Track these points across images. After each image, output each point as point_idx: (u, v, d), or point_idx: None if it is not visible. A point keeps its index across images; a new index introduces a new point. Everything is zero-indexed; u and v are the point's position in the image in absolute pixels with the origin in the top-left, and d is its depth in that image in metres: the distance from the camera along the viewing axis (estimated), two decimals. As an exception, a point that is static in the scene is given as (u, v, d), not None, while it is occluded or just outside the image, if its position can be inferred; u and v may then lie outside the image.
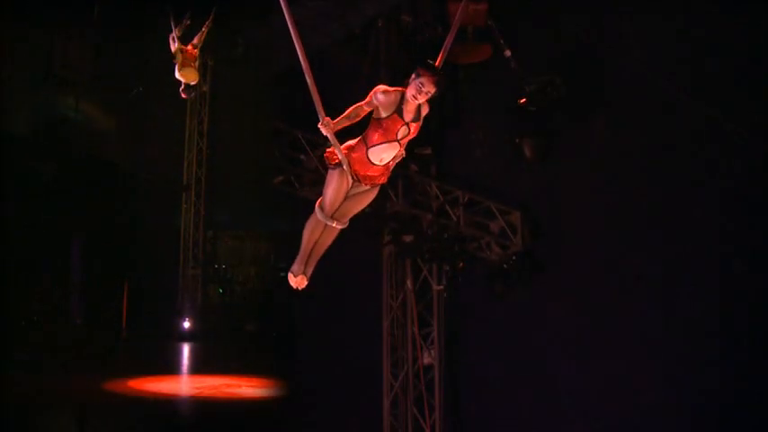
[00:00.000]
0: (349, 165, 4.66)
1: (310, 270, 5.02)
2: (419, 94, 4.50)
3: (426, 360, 10.88)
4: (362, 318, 11.34)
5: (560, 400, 9.69)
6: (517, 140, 9.45)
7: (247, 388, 13.29)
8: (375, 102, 4.56)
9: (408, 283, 10.98)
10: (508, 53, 8.92)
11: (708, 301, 8.59)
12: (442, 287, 10.92)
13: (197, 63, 8.68)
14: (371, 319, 11.13)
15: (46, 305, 13.96)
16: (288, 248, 14.61)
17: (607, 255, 9.47)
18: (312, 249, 4.97)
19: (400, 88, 4.59)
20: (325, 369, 11.52)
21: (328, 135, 4.55)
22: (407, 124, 4.62)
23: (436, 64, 4.58)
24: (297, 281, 5.02)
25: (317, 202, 4.81)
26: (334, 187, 4.75)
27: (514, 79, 9.10)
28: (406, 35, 9.96)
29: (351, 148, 4.69)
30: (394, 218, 10.60)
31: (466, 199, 10.53)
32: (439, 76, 4.49)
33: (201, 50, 8.98)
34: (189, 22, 8.76)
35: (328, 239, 4.97)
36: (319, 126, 4.52)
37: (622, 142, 9.27)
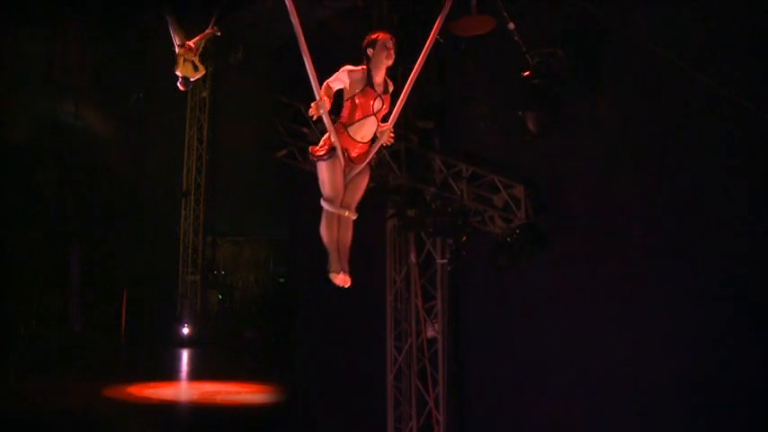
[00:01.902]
0: (339, 144, 4.79)
1: (345, 266, 5.00)
2: (389, 53, 4.80)
3: (430, 333, 10.87)
4: (366, 291, 11.32)
5: (564, 373, 9.69)
6: (520, 113, 9.36)
7: (246, 394, 13.30)
8: (346, 78, 4.73)
9: (412, 256, 10.94)
10: (512, 26, 8.82)
11: (713, 274, 8.55)
12: (445, 260, 10.89)
13: (196, 58, 8.64)
14: (375, 293, 11.12)
15: (45, 312, 13.97)
16: (286, 255, 14.74)
17: (610, 228, 9.42)
18: (338, 247, 4.98)
19: (363, 66, 4.80)
20: (328, 343, 11.52)
21: (324, 114, 4.65)
22: (380, 96, 4.82)
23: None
24: (340, 279, 4.97)
25: (322, 200, 4.89)
26: (329, 175, 4.86)
27: (518, 52, 9.01)
28: (409, 7, 9.90)
29: (333, 134, 4.82)
30: (397, 191, 10.55)
31: (469, 172, 10.48)
32: (391, 33, 4.83)
33: (202, 56, 8.98)
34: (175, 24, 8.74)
35: (347, 233, 5.03)
36: (315, 105, 4.62)
37: (626, 115, 9.22)
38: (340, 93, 4.82)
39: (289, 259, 14.56)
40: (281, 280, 15.94)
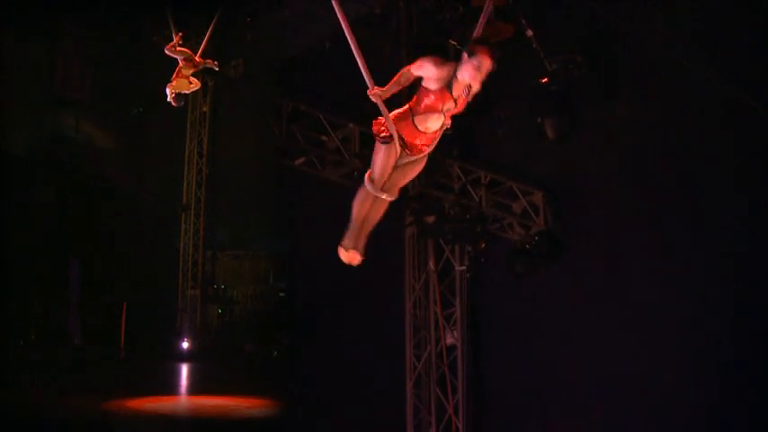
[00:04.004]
0: (398, 134, 4.55)
1: (362, 245, 4.77)
2: (477, 74, 4.41)
3: (449, 340, 10.88)
4: (384, 299, 11.31)
5: (583, 379, 9.67)
6: (539, 120, 9.35)
7: (246, 408, 13.20)
8: (423, 73, 4.43)
9: (431, 263, 10.96)
10: (530, 32, 8.86)
11: (731, 280, 8.54)
12: (464, 268, 10.90)
13: (192, 72, 8.66)
14: (393, 301, 11.12)
15: (44, 325, 13.92)
16: (287, 269, 14.71)
17: (629, 235, 9.42)
18: (362, 224, 4.74)
19: (453, 63, 4.46)
20: (347, 350, 11.50)
21: (378, 104, 4.47)
22: (455, 99, 4.53)
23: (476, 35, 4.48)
24: (348, 255, 4.75)
25: (367, 175, 4.66)
26: (383, 158, 4.63)
27: (536, 59, 9.03)
28: (427, 14, 9.94)
29: (397, 117, 4.57)
30: (416, 199, 10.59)
31: (488, 179, 10.51)
32: (496, 50, 4.40)
33: (201, 72, 9.02)
34: (181, 33, 8.78)
35: (378, 213, 4.79)
36: (369, 94, 4.44)
37: (645, 122, 9.22)
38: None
39: (289, 273, 14.54)
40: (282, 294, 15.92)
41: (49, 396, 11.93)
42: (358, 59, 4.39)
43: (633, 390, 9.22)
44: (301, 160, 10.84)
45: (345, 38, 4.30)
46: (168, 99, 8.53)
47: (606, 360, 9.45)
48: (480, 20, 4.59)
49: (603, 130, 9.54)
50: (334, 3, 4.35)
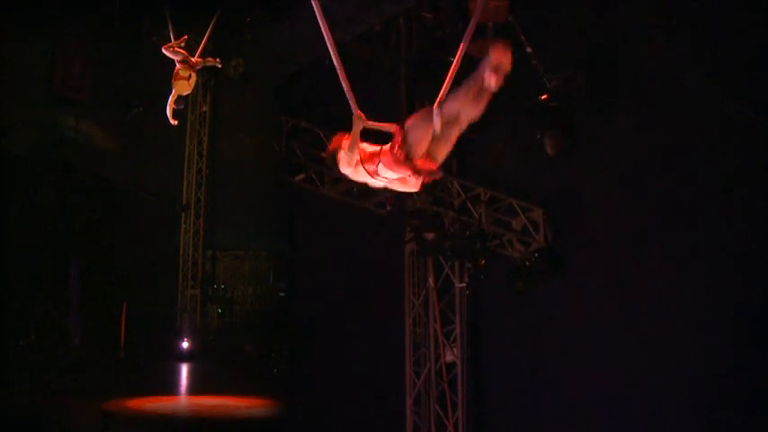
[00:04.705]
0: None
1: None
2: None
3: (449, 358, 10.84)
4: (384, 316, 11.30)
5: (583, 397, 9.63)
6: (539, 137, 9.35)
7: (246, 408, 13.22)
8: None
9: (430, 280, 10.95)
10: (529, 49, 8.87)
11: (731, 296, 8.53)
12: (464, 284, 10.88)
13: (190, 74, 8.65)
14: (393, 317, 11.10)
15: (44, 325, 13.94)
16: (286, 269, 14.72)
17: (630, 252, 9.39)
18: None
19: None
20: (346, 368, 11.50)
21: (354, 132, 4.56)
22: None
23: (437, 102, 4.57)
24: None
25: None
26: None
27: (536, 75, 9.03)
28: (426, 31, 9.95)
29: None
30: (415, 215, 10.58)
31: (487, 196, 10.48)
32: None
33: (201, 72, 9.02)
34: (186, 37, 8.78)
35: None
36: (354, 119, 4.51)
37: (645, 138, 9.17)
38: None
39: (289, 273, 14.55)
40: (282, 294, 15.95)
41: (49, 396, 11.94)
42: (344, 84, 4.43)
43: (635, 406, 9.17)
44: (301, 176, 10.90)
45: (342, 54, 4.30)
46: (169, 118, 8.54)
47: (607, 377, 9.39)
48: (470, 25, 4.60)
49: (603, 147, 9.49)
50: (324, 31, 4.35)
